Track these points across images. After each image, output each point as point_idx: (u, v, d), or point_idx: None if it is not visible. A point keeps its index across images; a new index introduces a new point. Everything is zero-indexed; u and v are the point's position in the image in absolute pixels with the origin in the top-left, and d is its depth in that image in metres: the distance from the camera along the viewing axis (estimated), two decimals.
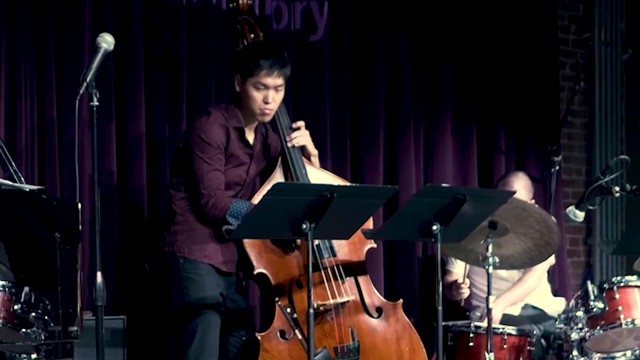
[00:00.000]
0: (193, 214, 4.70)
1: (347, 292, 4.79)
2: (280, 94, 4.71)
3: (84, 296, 4.34)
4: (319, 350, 4.50)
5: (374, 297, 4.90)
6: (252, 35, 4.95)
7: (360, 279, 4.88)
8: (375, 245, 5.01)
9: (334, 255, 4.80)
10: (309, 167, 4.89)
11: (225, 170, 4.69)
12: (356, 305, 4.83)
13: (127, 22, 5.29)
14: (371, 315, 4.87)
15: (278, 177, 4.86)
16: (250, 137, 4.80)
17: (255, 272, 4.72)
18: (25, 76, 5.01)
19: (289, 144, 4.84)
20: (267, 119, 4.76)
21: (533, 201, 5.85)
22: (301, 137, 4.87)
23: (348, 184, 5.06)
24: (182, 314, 4.67)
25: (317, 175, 4.91)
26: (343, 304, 4.77)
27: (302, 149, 4.89)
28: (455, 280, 5.58)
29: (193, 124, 4.70)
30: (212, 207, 4.61)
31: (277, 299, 4.63)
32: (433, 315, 4.34)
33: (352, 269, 4.87)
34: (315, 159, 4.96)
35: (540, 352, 5.45)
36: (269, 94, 4.66)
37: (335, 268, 4.78)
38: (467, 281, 5.46)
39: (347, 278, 4.82)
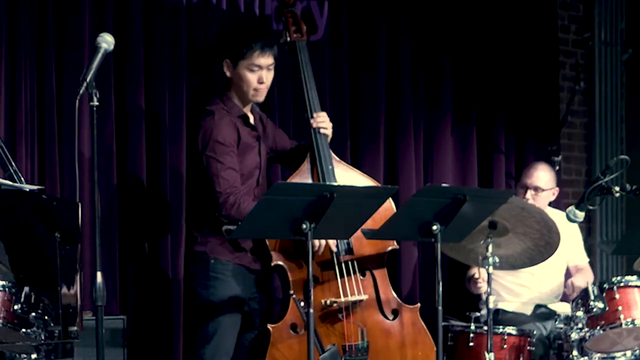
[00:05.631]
0: (221, 217, 4.70)
1: (361, 291, 4.79)
2: (272, 73, 4.78)
3: (84, 296, 4.34)
4: (329, 346, 4.50)
5: (390, 298, 4.89)
6: (295, 28, 5.00)
7: (379, 278, 4.88)
8: (397, 247, 5.00)
9: (351, 252, 4.80)
10: (337, 165, 4.89)
11: (242, 160, 4.72)
12: (372, 305, 4.83)
13: (127, 22, 5.28)
14: (386, 317, 4.87)
15: (305, 170, 4.86)
16: (251, 119, 4.85)
17: (273, 264, 4.76)
18: (26, 76, 5.00)
19: (314, 125, 4.89)
20: (261, 99, 4.82)
21: (557, 189, 5.94)
22: (325, 123, 4.92)
23: (377, 184, 5.06)
24: (204, 312, 4.69)
25: (345, 172, 4.91)
26: (356, 302, 4.77)
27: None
28: (474, 275, 5.61)
29: (200, 127, 4.70)
30: (234, 206, 4.58)
31: (292, 292, 4.65)
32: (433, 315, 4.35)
33: (371, 267, 4.87)
34: None
35: (542, 351, 5.45)
36: (263, 74, 4.72)
37: (351, 265, 4.79)
38: (485, 276, 5.48)
39: (365, 277, 4.83)
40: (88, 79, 3.88)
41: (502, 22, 6.59)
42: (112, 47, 4.06)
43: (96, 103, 3.90)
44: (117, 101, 5.26)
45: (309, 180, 4.85)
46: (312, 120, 4.92)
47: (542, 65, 6.80)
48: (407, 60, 6.19)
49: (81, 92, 3.89)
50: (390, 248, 4.94)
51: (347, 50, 6.01)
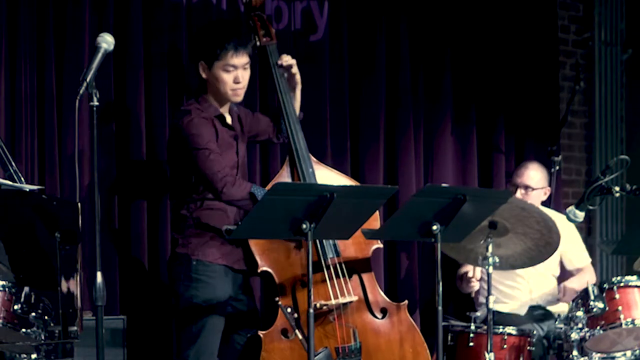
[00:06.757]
0: (205, 216, 4.69)
1: (350, 292, 4.79)
2: (248, 72, 4.75)
3: (84, 296, 4.34)
4: (320, 350, 4.50)
5: (378, 297, 4.89)
6: (263, 32, 4.96)
7: (365, 279, 4.88)
8: (381, 245, 5.01)
9: (338, 255, 4.80)
10: (316, 166, 4.89)
11: None
12: (360, 305, 4.84)
13: (127, 22, 5.29)
14: (375, 316, 4.87)
15: (285, 175, 4.86)
16: (228, 119, 4.82)
17: (260, 270, 4.75)
18: (26, 76, 5.01)
19: (279, 62, 4.91)
20: (239, 98, 4.79)
21: (549, 189, 5.91)
22: (290, 61, 4.93)
23: (356, 183, 5.07)
24: (188, 315, 4.66)
25: (324, 174, 4.90)
26: (346, 304, 4.77)
27: (290, 78, 4.93)
28: (466, 273, 5.60)
29: (178, 128, 4.66)
30: (234, 185, 4.53)
31: (277, 298, 4.64)
32: (434, 315, 4.35)
33: (357, 268, 4.87)
34: (298, 91, 4.99)
35: (541, 352, 5.45)
36: (239, 74, 4.70)
37: (339, 267, 4.79)
38: (478, 275, 5.47)
39: (352, 278, 4.83)
40: (88, 79, 3.89)
41: (502, 22, 6.59)
42: (112, 47, 4.06)
43: (96, 103, 3.91)
44: (117, 101, 5.26)
45: None
46: (280, 62, 4.91)
47: (542, 65, 6.80)
48: (407, 60, 6.19)
49: (81, 92, 3.89)
50: (374, 247, 4.94)
51: (347, 50, 6.01)
